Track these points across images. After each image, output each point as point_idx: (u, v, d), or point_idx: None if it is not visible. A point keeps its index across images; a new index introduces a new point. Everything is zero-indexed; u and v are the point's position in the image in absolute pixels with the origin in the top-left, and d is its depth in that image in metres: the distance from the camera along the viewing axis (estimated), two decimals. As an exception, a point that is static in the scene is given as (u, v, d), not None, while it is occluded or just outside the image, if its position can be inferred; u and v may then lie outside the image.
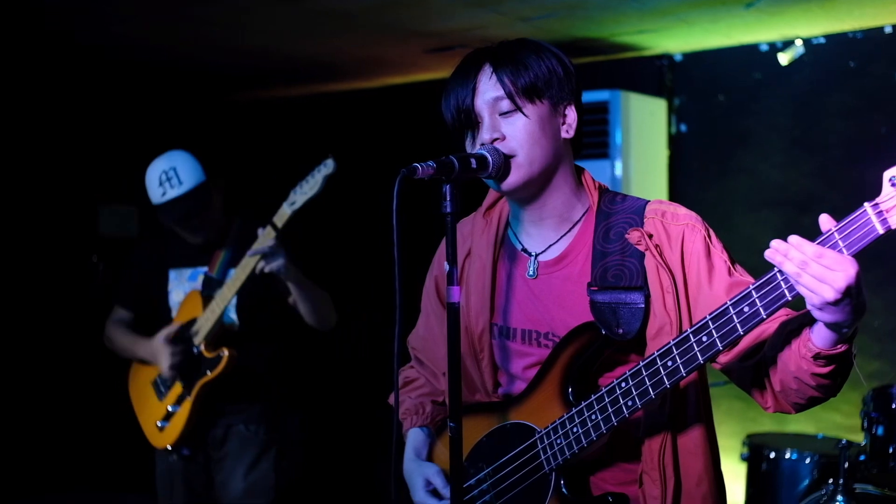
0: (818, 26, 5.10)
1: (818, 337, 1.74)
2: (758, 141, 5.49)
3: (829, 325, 1.70)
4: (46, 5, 4.73)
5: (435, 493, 2.25)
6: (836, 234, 1.63)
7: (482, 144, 2.04)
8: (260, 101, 7.77)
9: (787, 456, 4.37)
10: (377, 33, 5.36)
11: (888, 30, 5.06)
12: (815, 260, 1.62)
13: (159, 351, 3.79)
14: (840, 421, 5.03)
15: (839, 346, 1.73)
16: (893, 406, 3.73)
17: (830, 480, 3.77)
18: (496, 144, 2.03)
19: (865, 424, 3.83)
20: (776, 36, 5.32)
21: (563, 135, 2.12)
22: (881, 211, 1.60)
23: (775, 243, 1.66)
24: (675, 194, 5.68)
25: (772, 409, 1.95)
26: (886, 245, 5.10)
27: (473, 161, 1.95)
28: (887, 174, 1.60)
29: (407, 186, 1.85)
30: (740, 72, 5.57)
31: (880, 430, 3.76)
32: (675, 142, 5.78)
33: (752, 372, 1.94)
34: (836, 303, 1.62)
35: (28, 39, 5.56)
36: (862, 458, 3.85)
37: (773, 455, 4.40)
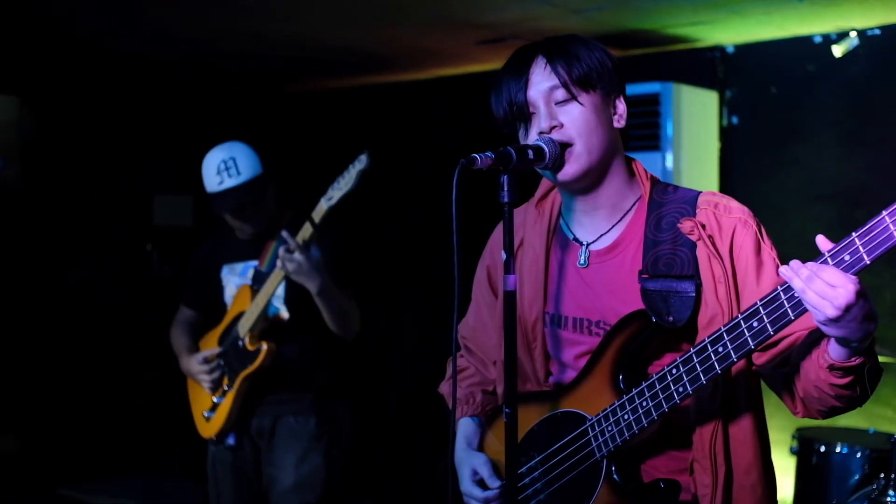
0: (873, 18, 5.05)
1: (833, 349, 1.78)
2: (810, 134, 5.45)
3: (838, 340, 1.74)
4: (101, 5, 4.84)
5: (481, 483, 2.27)
6: (886, 218, 1.66)
7: (540, 133, 2.06)
8: (311, 94, 7.83)
9: (838, 450, 4.34)
10: (428, 24, 5.39)
11: (946, 21, 5.00)
12: (817, 275, 1.67)
13: (196, 373, 3.91)
14: (891, 416, 4.99)
15: (853, 359, 1.77)
16: (947, 401, 3.71)
17: (882, 475, 3.75)
18: (553, 134, 2.06)
19: (919, 419, 3.81)
20: (830, 28, 5.28)
21: (616, 125, 2.15)
22: None
23: (793, 263, 1.72)
24: (726, 187, 5.65)
25: (801, 415, 1.99)
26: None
27: (530, 152, 1.98)
28: None
29: (467, 177, 1.88)
30: (793, 64, 5.52)
31: (934, 425, 3.74)
32: (726, 134, 5.74)
33: (784, 378, 1.97)
34: (837, 319, 1.67)
35: (86, 35, 5.66)
36: (915, 453, 3.82)
37: (823, 449, 4.38)
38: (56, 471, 6.61)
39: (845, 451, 4.32)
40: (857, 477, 4.21)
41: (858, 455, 4.27)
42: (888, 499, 3.57)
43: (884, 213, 1.66)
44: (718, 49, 5.76)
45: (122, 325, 7.28)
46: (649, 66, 5.86)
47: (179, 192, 7.56)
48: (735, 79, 5.77)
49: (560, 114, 2.07)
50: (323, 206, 3.53)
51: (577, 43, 2.13)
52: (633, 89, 5.33)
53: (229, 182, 3.74)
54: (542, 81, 2.08)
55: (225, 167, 3.74)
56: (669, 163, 5.29)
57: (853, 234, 1.68)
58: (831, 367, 1.78)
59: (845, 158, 5.28)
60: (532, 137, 2.09)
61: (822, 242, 1.72)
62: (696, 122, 5.49)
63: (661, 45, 5.77)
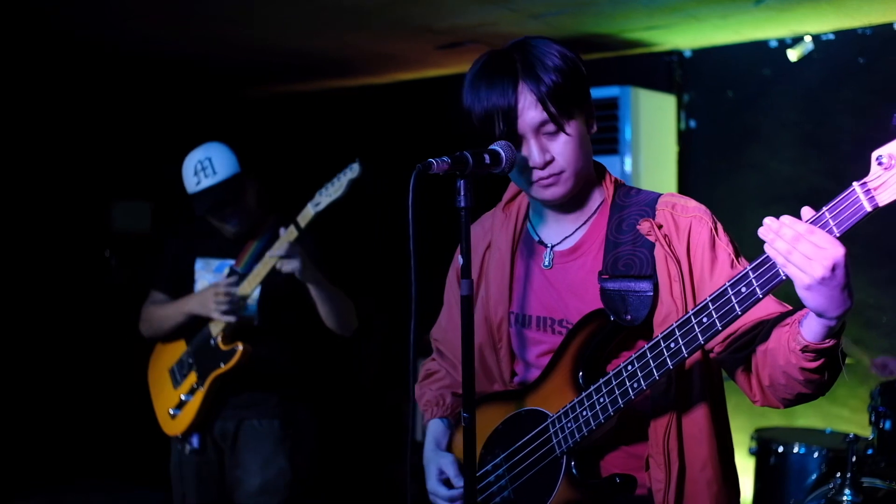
0: (827, 22, 5.12)
1: (807, 330, 1.77)
2: (767, 137, 5.51)
3: (817, 314, 1.72)
4: (58, 2, 4.78)
5: (447, 482, 2.31)
6: (826, 214, 1.67)
7: (533, 167, 2.08)
8: (272, 97, 7.81)
9: (796, 450, 4.39)
10: (388, 29, 5.40)
11: (897, 26, 5.08)
12: (806, 236, 1.65)
13: (208, 297, 3.70)
14: (848, 416, 5.05)
15: (827, 340, 1.76)
16: (901, 400, 3.76)
17: (838, 474, 3.79)
18: (547, 169, 2.08)
19: (873, 419, 3.85)
20: (785, 32, 5.34)
21: (590, 133, 2.19)
22: (869, 189, 1.64)
23: (768, 220, 1.70)
24: (685, 190, 5.70)
25: (760, 403, 1.99)
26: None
27: (487, 157, 1.98)
28: (874, 154, 1.64)
29: (423, 181, 1.89)
30: (750, 68, 5.58)
31: (888, 425, 3.78)
32: (684, 137, 5.80)
33: (743, 364, 1.98)
34: (823, 282, 1.65)
35: (41, 37, 5.61)
36: (870, 452, 3.87)
37: (781, 449, 4.43)
38: (7, 483, 6.52)
39: (803, 451, 4.37)
40: (814, 476, 4.26)
41: (815, 455, 4.33)
42: (844, 497, 3.60)
43: (824, 209, 1.67)
44: (676, 53, 5.82)
45: (79, 331, 7.21)
46: (608, 70, 5.90)
47: (138, 198, 7.51)
48: (693, 83, 5.83)
49: (550, 145, 2.08)
50: (310, 210, 3.56)
51: (560, 63, 2.09)
52: (592, 93, 5.35)
53: (206, 182, 3.76)
54: (531, 115, 2.06)
55: (201, 167, 3.76)
56: (628, 166, 5.33)
57: (824, 208, 1.68)
58: (804, 349, 1.77)
59: (801, 161, 5.35)
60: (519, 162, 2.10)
61: (807, 212, 1.71)
62: (655, 125, 5.54)
63: (620, 50, 5.81)
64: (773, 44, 5.47)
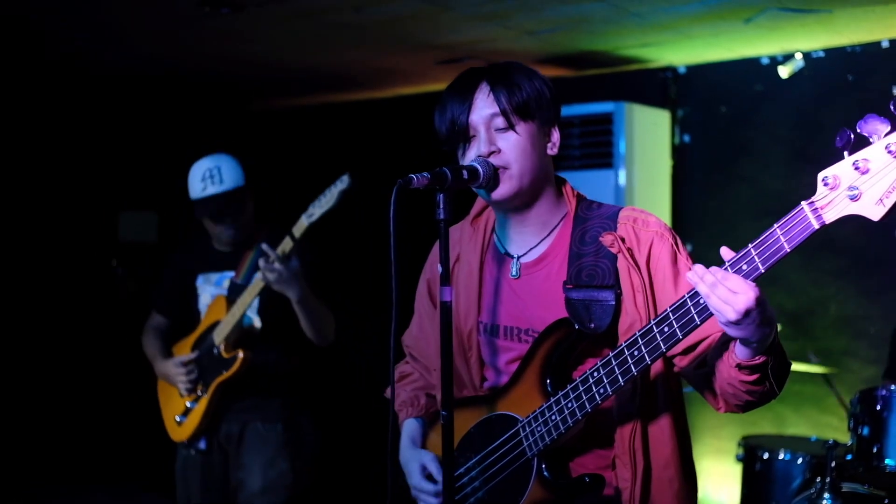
0: (817, 40, 5.23)
1: (739, 350, 1.94)
2: (759, 151, 5.61)
3: (741, 341, 1.90)
4: (71, 20, 4.92)
5: (430, 477, 2.42)
6: (777, 231, 1.81)
7: (479, 156, 2.21)
8: (276, 111, 7.93)
9: (781, 456, 4.49)
10: (389, 45, 5.52)
11: (885, 44, 5.17)
12: (721, 283, 1.81)
13: (174, 375, 4.02)
14: (837, 424, 5.14)
15: (757, 357, 1.92)
16: (878, 407, 3.85)
17: (819, 479, 3.90)
18: (492, 158, 2.21)
19: (852, 425, 3.96)
20: (777, 49, 5.45)
21: (549, 152, 2.32)
22: (816, 208, 1.78)
23: (696, 267, 1.86)
24: (679, 204, 5.80)
25: (722, 410, 2.15)
26: (886, 254, 5.12)
27: (465, 172, 2.13)
28: (820, 175, 1.78)
29: (405, 195, 2.02)
30: (742, 84, 5.69)
31: (866, 431, 3.88)
32: (678, 152, 5.91)
33: (704, 378, 2.13)
34: (737, 322, 1.81)
35: (52, 52, 5.73)
36: (849, 457, 3.97)
37: (766, 456, 4.53)
38: (14, 486, 6.62)
39: (787, 457, 4.48)
40: (798, 482, 4.36)
41: (799, 461, 4.43)
42: (824, 501, 3.71)
43: (775, 226, 1.81)
44: (671, 69, 5.92)
45: (86, 340, 7.31)
46: (603, 85, 6.02)
47: (144, 208, 7.62)
48: (687, 98, 5.94)
49: (498, 139, 2.23)
50: (304, 221, 3.72)
51: (520, 74, 2.28)
52: (587, 108, 5.49)
53: (212, 189, 3.92)
54: (484, 108, 2.24)
55: (209, 175, 3.92)
56: (622, 180, 5.43)
57: (749, 245, 1.83)
58: (739, 366, 1.94)
59: (792, 175, 5.44)
60: (469, 158, 2.25)
61: (725, 252, 1.87)
62: (649, 140, 5.65)
63: (615, 66, 5.92)
64: (765, 61, 5.58)
